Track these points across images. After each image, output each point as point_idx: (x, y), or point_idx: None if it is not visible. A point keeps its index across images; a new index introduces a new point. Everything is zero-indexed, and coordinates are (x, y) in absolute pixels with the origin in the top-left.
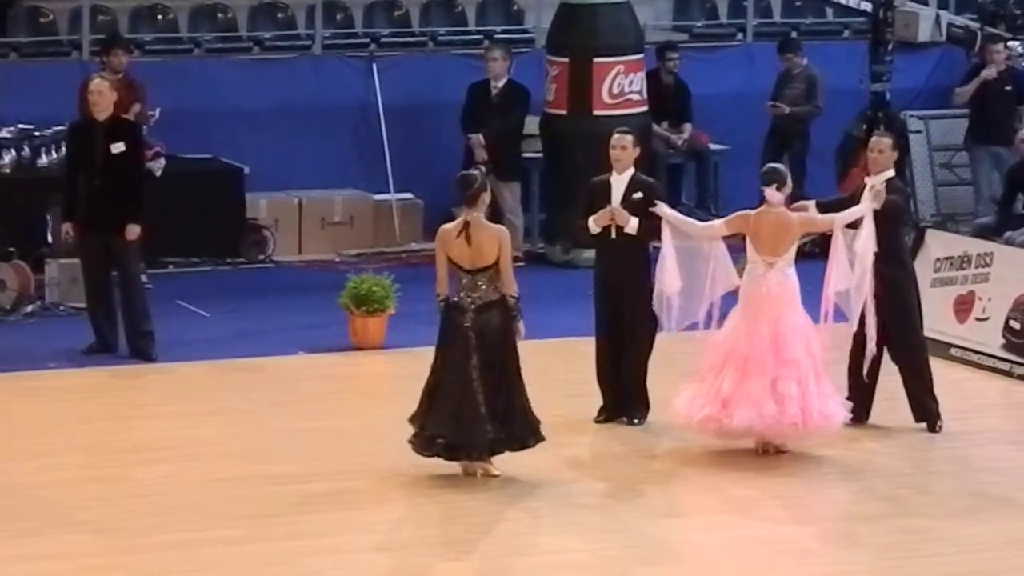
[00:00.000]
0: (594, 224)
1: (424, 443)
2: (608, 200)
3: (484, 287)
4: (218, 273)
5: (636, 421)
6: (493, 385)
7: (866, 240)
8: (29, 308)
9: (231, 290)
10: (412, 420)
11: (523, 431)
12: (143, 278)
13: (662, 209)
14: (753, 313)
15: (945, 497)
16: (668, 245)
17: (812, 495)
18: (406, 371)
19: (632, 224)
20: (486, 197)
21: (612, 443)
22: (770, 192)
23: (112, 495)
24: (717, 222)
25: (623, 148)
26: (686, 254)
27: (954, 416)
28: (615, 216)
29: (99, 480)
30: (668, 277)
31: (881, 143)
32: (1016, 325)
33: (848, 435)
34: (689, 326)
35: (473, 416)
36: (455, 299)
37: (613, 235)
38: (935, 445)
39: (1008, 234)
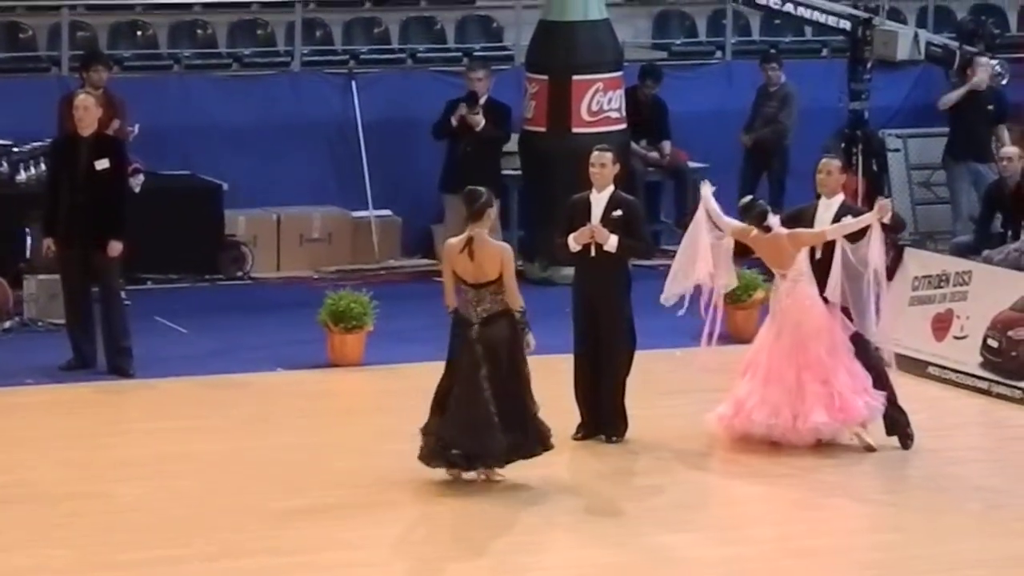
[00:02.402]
0: (574, 242)
1: (435, 453)
2: (588, 218)
3: (488, 301)
4: (196, 289)
5: (614, 439)
6: (505, 395)
7: (877, 253)
8: (7, 324)
9: (209, 306)
10: (424, 430)
11: (533, 440)
12: (122, 294)
13: (705, 191)
14: (777, 322)
15: (922, 515)
16: (703, 237)
17: (788, 514)
18: (384, 388)
19: (612, 242)
20: (492, 212)
21: (590, 460)
22: (772, 221)
23: (89, 511)
24: (731, 220)
25: (603, 166)
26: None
27: (932, 434)
28: (595, 234)
29: (76, 496)
30: (702, 264)
31: (829, 165)
32: (994, 344)
33: (825, 453)
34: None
35: (487, 426)
36: (462, 312)
37: (592, 253)
38: (912, 463)
39: (986, 252)
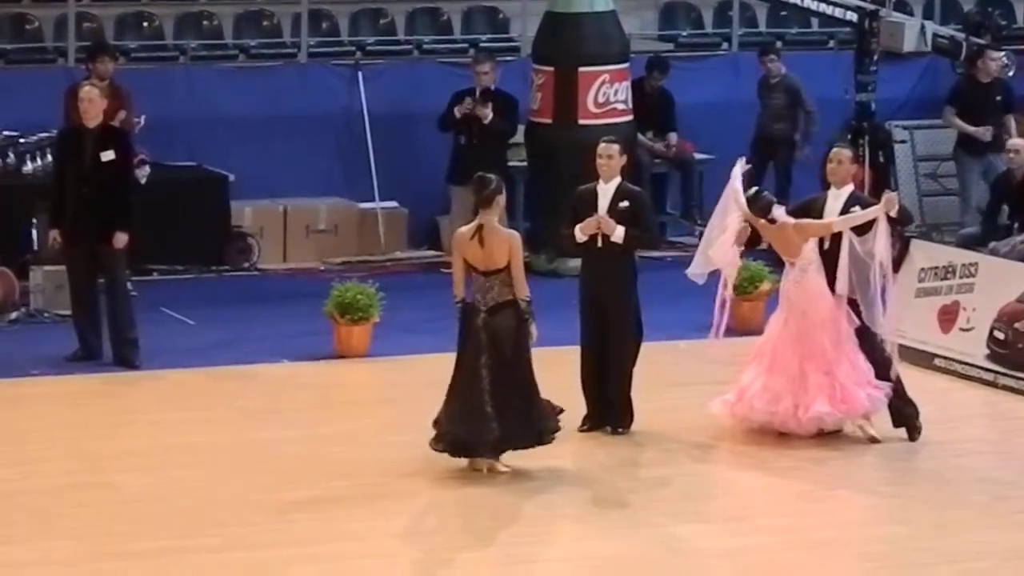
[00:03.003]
0: (580, 233)
1: (435, 439)
2: (595, 209)
3: (497, 289)
4: (203, 281)
5: (620, 430)
6: (508, 384)
7: (884, 246)
8: (13, 315)
9: (215, 298)
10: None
11: (538, 428)
12: (128, 285)
13: (736, 169)
14: (784, 310)
15: (928, 507)
16: (732, 215)
17: (794, 506)
18: (390, 379)
19: (619, 233)
20: (501, 200)
21: (596, 452)
22: (777, 213)
23: (95, 502)
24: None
25: (610, 157)
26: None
27: (937, 426)
28: (602, 225)
29: (82, 487)
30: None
31: (840, 154)
32: (1000, 335)
33: (831, 445)
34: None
35: (478, 414)
36: (470, 300)
37: (599, 244)
38: (918, 455)
39: (992, 244)
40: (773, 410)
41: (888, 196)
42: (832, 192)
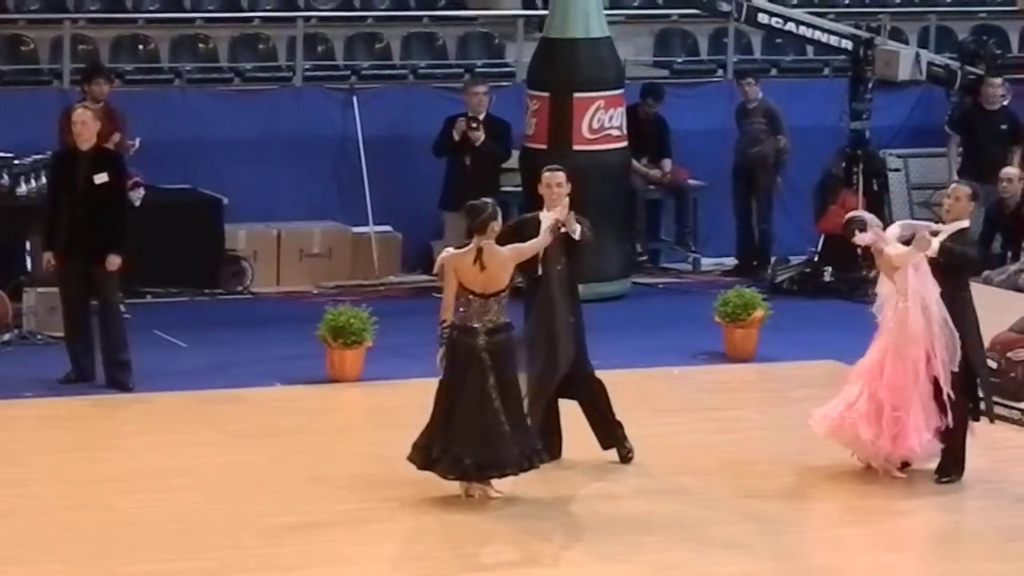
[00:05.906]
0: (548, 233)
1: (450, 465)
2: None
3: (495, 310)
4: (196, 304)
5: (631, 456)
6: (512, 403)
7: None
8: (6, 337)
9: (209, 321)
10: (419, 446)
11: (536, 451)
12: (121, 307)
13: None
14: (882, 339)
15: (923, 535)
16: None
17: (791, 534)
18: (383, 404)
19: (577, 230)
20: (496, 225)
21: (586, 477)
22: (859, 238)
23: (88, 525)
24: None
25: (558, 185)
26: None
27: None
28: (565, 221)
29: (75, 509)
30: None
31: (959, 190)
32: (993, 364)
33: (826, 473)
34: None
35: (499, 434)
36: (464, 323)
37: (539, 271)
38: (913, 484)
39: (986, 273)
40: (870, 438)
41: (921, 236)
42: (944, 227)
